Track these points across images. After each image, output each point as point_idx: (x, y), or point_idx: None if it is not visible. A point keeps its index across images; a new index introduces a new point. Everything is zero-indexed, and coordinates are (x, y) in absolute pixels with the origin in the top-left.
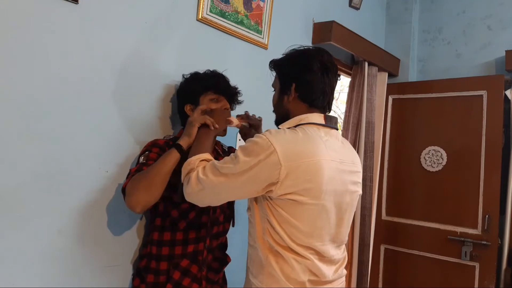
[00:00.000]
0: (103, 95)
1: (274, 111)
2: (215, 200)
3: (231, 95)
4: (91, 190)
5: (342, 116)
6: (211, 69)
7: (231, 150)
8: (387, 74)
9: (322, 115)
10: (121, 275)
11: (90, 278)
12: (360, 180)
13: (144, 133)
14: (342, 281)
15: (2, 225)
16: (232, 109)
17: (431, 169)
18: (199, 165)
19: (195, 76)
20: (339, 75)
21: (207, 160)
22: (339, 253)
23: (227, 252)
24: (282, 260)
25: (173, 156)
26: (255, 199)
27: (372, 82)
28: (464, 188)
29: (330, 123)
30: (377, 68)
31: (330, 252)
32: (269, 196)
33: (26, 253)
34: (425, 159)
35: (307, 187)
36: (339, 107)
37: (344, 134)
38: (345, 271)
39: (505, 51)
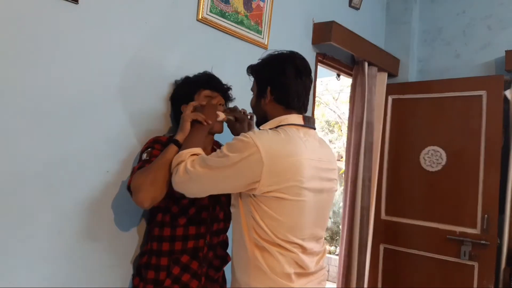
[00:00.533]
0: (103, 95)
1: (253, 112)
2: (200, 190)
3: (224, 91)
4: (91, 190)
5: (342, 116)
6: (206, 71)
7: None
8: (386, 74)
9: (301, 116)
10: (121, 274)
11: (90, 278)
12: (336, 177)
13: (144, 133)
14: (324, 273)
15: (2, 225)
16: (226, 106)
17: (431, 169)
18: (189, 158)
19: (186, 78)
20: (338, 76)
21: (197, 155)
22: (318, 246)
23: (227, 251)
24: (268, 254)
25: (172, 150)
26: (240, 196)
27: (372, 82)
28: (463, 188)
29: (309, 123)
30: (376, 68)
31: (309, 245)
32: (253, 194)
33: (26, 253)
34: (424, 159)
35: (288, 185)
36: (339, 107)
37: (349, 135)
38: (325, 264)
39: (505, 51)
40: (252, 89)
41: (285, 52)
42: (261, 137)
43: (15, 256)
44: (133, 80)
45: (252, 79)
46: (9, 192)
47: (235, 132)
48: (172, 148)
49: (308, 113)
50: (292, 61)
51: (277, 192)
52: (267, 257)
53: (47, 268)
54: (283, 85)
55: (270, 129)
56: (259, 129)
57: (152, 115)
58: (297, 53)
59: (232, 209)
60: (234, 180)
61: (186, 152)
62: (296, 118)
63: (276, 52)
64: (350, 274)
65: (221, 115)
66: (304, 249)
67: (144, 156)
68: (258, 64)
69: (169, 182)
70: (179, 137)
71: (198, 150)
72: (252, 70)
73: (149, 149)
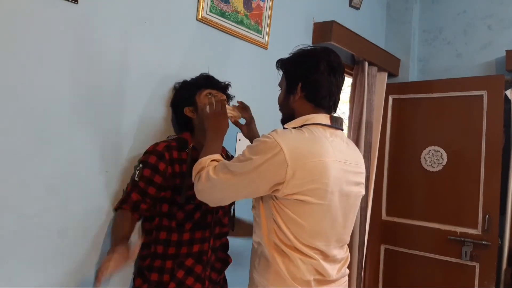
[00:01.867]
0: (102, 95)
1: (280, 109)
2: (224, 198)
3: (223, 88)
4: (91, 190)
5: (342, 116)
6: (207, 71)
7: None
8: (387, 74)
9: (328, 115)
10: (121, 275)
11: (90, 278)
12: (363, 181)
13: (144, 133)
14: (345, 280)
15: (2, 225)
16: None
17: (431, 169)
18: (210, 164)
19: (185, 82)
20: None
21: (217, 160)
22: (342, 252)
23: (228, 252)
24: (288, 260)
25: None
26: (261, 198)
27: (372, 82)
28: (464, 188)
29: (336, 124)
30: (377, 68)
31: (333, 251)
32: (275, 196)
33: (25, 254)
34: (425, 159)
35: (313, 187)
36: (339, 106)
37: (349, 134)
38: (347, 270)
39: (506, 51)
40: (279, 85)
41: (318, 47)
42: (284, 137)
43: (15, 256)
44: (133, 80)
45: (281, 73)
46: (9, 192)
47: (244, 127)
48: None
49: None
50: (326, 57)
51: (300, 194)
52: (288, 263)
53: (47, 269)
54: (315, 82)
55: (294, 128)
56: (284, 127)
57: (152, 115)
58: (331, 49)
59: (253, 211)
60: (258, 183)
61: (206, 159)
62: (323, 118)
63: (308, 47)
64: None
65: (235, 113)
66: (325, 256)
67: (136, 175)
68: (289, 58)
69: (169, 190)
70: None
71: (218, 156)
72: (282, 64)
73: (141, 166)
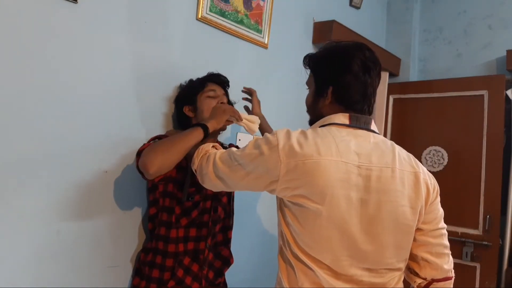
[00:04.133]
0: (102, 95)
1: (307, 111)
2: (224, 185)
3: (223, 82)
4: (90, 190)
5: None
6: (208, 70)
7: (231, 146)
8: (387, 73)
9: (347, 114)
10: (121, 275)
11: (90, 278)
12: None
13: (144, 133)
14: None
15: (1, 225)
16: (229, 103)
17: (432, 169)
18: (214, 151)
19: (191, 80)
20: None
21: (216, 148)
22: (376, 275)
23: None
24: (290, 268)
25: (198, 133)
26: (277, 201)
27: None
28: (465, 189)
29: (357, 123)
30: None
31: (350, 270)
32: (282, 199)
33: (25, 254)
34: (426, 159)
35: (308, 189)
36: None
37: None
38: None
39: (506, 50)
40: (307, 84)
41: (350, 43)
42: (286, 135)
43: (15, 256)
44: (132, 79)
45: (308, 70)
46: (8, 192)
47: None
48: (198, 131)
49: None
50: (360, 55)
51: (298, 197)
52: (290, 271)
53: (47, 269)
54: (347, 84)
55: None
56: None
57: (151, 115)
58: (364, 44)
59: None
60: (253, 177)
61: (206, 145)
62: (341, 117)
63: (340, 44)
64: None
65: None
66: (335, 274)
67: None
68: (318, 56)
69: (179, 160)
70: (211, 125)
71: (217, 145)
72: (311, 62)
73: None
